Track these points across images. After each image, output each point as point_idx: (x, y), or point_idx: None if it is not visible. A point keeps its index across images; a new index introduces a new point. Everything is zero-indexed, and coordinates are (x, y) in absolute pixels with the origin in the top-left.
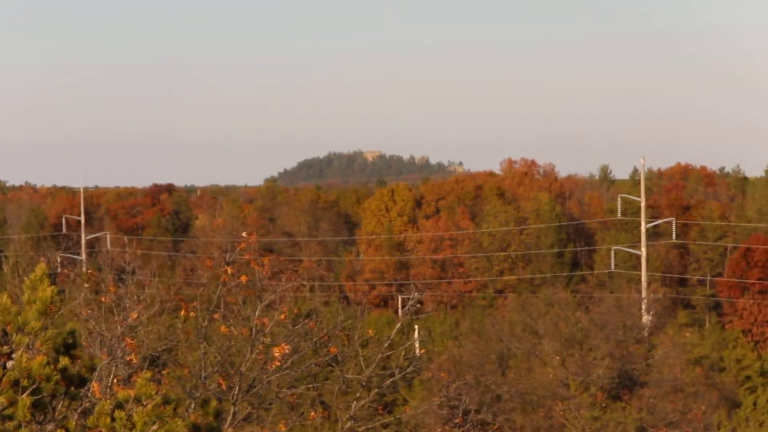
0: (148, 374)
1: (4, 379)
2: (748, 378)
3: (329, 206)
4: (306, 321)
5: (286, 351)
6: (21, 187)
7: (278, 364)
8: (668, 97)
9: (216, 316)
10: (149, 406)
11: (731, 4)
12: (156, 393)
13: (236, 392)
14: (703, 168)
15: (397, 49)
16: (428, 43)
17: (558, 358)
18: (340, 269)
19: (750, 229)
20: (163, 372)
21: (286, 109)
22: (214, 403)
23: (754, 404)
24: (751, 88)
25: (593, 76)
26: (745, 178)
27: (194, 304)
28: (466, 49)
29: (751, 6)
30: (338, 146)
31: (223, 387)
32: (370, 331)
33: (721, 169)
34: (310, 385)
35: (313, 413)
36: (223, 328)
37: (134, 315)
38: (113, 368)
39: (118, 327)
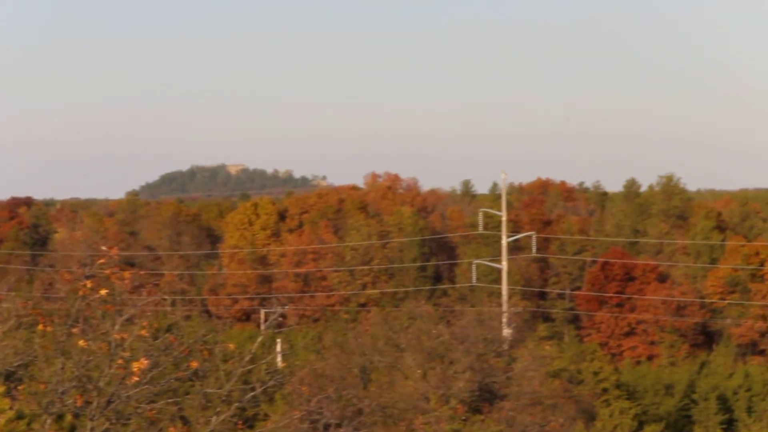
0: (2, 389)
1: None
2: (605, 390)
3: (191, 219)
4: (166, 335)
5: (146, 365)
6: None
7: (137, 378)
8: (529, 111)
9: (74, 330)
10: (2, 421)
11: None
12: (10, 408)
13: (94, 407)
14: (563, 183)
15: (258, 63)
16: (290, 58)
17: (419, 371)
18: (202, 283)
19: (608, 243)
20: (19, 388)
21: (148, 121)
22: (69, 418)
23: (610, 416)
24: (613, 103)
25: (453, 92)
26: (605, 193)
27: (52, 318)
28: (330, 63)
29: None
30: (201, 159)
31: (80, 402)
32: (232, 346)
33: (581, 184)
34: (170, 400)
35: (172, 428)
36: (81, 343)
37: None
38: None
39: None
